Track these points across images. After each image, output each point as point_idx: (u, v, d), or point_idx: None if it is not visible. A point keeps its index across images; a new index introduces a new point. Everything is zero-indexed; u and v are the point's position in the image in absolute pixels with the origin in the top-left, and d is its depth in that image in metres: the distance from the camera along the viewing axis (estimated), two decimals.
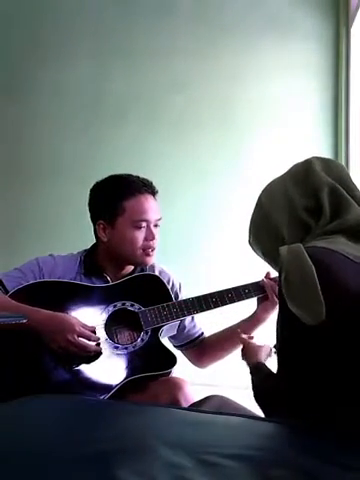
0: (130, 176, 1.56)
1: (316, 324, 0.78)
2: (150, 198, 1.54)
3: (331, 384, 0.80)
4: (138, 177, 1.56)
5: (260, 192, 1.09)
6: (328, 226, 0.95)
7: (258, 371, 1.11)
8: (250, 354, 1.25)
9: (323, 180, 0.98)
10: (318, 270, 0.81)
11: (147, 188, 1.54)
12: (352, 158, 2.55)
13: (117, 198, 1.51)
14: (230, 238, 2.73)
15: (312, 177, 0.99)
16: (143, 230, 1.52)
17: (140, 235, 1.51)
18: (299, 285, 0.82)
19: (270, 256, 1.06)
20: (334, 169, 1.01)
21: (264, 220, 1.05)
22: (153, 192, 1.56)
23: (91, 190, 1.59)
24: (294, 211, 0.98)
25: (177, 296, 1.62)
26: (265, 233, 1.05)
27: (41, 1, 2.95)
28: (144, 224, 1.51)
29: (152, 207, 1.53)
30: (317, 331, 0.79)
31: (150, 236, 1.52)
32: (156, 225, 1.55)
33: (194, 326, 1.67)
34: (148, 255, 1.53)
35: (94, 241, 1.63)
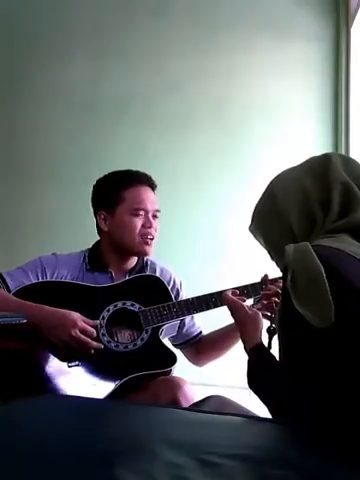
0: (130, 170, 1.63)
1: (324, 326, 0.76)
2: (148, 189, 1.61)
3: (336, 387, 0.79)
4: (138, 171, 1.63)
5: (271, 181, 1.07)
6: (334, 224, 0.93)
7: (258, 358, 1.06)
8: (248, 328, 1.15)
9: (340, 177, 0.96)
10: (326, 270, 0.79)
11: (146, 180, 1.61)
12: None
13: (117, 188, 1.58)
14: (226, 237, 2.73)
15: (330, 172, 0.97)
16: (141, 218, 1.57)
17: (138, 222, 1.56)
18: (307, 285, 0.79)
19: (272, 244, 1.05)
20: (352, 167, 0.99)
21: (273, 208, 1.03)
22: (152, 185, 1.63)
23: (93, 186, 1.65)
24: (307, 202, 0.97)
25: (178, 294, 1.65)
26: (271, 221, 1.03)
27: (38, 2, 2.95)
28: (142, 212, 1.57)
29: (150, 197, 1.60)
30: (324, 333, 0.77)
31: (148, 224, 1.57)
32: (155, 216, 1.60)
33: (193, 325, 1.70)
34: (147, 244, 1.57)
35: (96, 239, 1.66)
